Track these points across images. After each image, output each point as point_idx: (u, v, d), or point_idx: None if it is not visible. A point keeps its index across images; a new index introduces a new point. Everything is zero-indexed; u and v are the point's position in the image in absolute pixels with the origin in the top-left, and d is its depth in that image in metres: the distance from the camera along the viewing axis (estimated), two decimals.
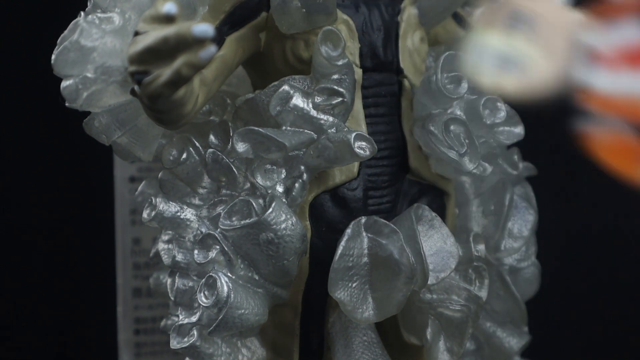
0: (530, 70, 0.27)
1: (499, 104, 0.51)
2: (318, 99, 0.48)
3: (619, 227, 0.83)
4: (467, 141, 0.50)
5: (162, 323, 0.54)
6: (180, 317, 0.49)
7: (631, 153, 0.25)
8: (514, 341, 0.57)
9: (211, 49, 0.39)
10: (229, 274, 0.48)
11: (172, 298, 0.50)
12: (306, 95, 0.48)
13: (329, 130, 0.48)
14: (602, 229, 0.83)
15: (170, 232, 0.50)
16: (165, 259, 0.50)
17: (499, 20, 0.28)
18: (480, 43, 0.28)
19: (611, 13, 0.26)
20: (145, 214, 0.50)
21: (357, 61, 0.51)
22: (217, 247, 0.48)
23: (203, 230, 0.49)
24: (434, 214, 0.49)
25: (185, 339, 0.49)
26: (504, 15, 0.28)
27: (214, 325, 0.47)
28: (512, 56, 0.27)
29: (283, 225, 0.47)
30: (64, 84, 0.47)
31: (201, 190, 0.51)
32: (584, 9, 0.27)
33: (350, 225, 0.49)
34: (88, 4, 0.48)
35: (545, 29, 0.27)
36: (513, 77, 0.27)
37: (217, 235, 0.48)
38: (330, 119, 0.48)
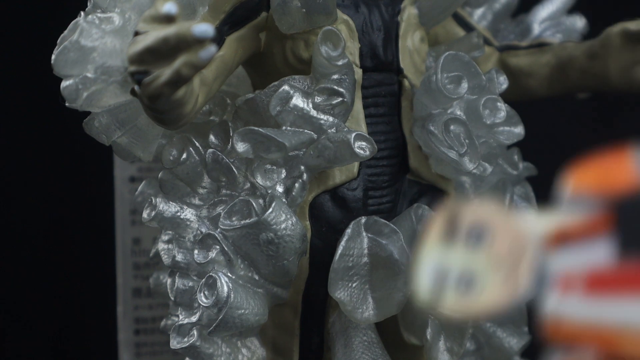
0: (490, 291, 0.25)
1: (499, 104, 0.51)
2: (318, 99, 0.48)
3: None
4: (467, 141, 0.50)
5: (162, 323, 0.54)
6: (180, 317, 0.49)
7: None
8: (514, 341, 0.57)
9: (211, 49, 0.39)
10: (229, 274, 0.48)
11: (172, 298, 0.50)
12: (306, 95, 0.48)
13: (329, 130, 0.48)
14: None
15: (170, 232, 0.50)
16: (165, 259, 0.50)
17: (455, 234, 0.25)
18: (434, 259, 0.25)
19: (576, 233, 0.24)
20: (145, 214, 0.50)
21: (357, 61, 0.51)
22: (217, 247, 0.48)
23: (203, 230, 0.49)
24: (434, 214, 0.49)
25: (185, 339, 0.49)
26: (459, 226, 0.25)
27: (214, 325, 0.47)
28: (471, 275, 0.25)
29: (283, 225, 0.47)
30: (64, 84, 0.47)
31: (201, 190, 0.51)
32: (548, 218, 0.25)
33: (350, 225, 0.49)
34: (88, 4, 0.48)
35: (504, 244, 0.25)
36: (471, 298, 0.25)
37: (217, 235, 0.48)
38: (330, 119, 0.48)
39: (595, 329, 0.23)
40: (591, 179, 0.24)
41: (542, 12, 0.62)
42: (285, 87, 0.48)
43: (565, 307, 0.23)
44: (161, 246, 0.50)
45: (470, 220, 0.25)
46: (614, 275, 0.23)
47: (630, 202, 0.23)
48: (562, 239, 0.24)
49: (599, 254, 0.23)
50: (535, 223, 0.25)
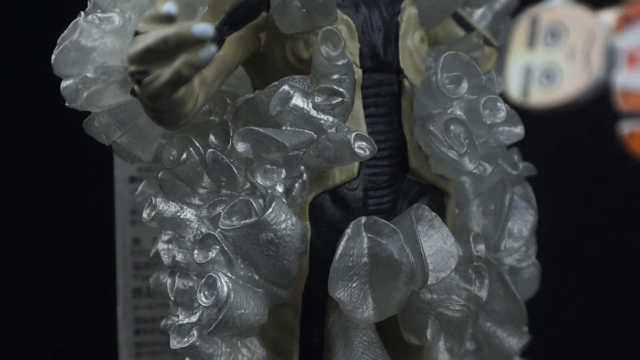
0: (570, 81, 0.28)
1: (499, 104, 0.51)
2: (318, 99, 0.48)
3: (618, 227, 0.83)
4: (467, 141, 0.50)
5: (162, 323, 0.54)
6: (180, 317, 0.49)
7: None
8: (514, 341, 0.57)
9: (211, 49, 0.39)
10: (229, 274, 0.48)
11: (172, 298, 0.50)
12: (306, 95, 0.48)
13: (329, 130, 0.48)
14: (602, 228, 0.83)
15: (170, 232, 0.50)
16: (165, 259, 0.50)
17: (533, 35, 0.29)
18: (520, 60, 0.29)
19: (636, 15, 0.27)
20: (145, 214, 0.50)
21: (357, 61, 0.51)
22: (217, 247, 0.48)
23: (203, 230, 0.49)
24: (434, 214, 0.49)
25: (185, 339, 0.49)
26: (537, 29, 0.29)
27: (214, 325, 0.47)
28: (551, 69, 0.29)
29: (283, 225, 0.47)
30: (64, 84, 0.47)
31: (201, 190, 0.51)
32: (611, 9, 0.29)
33: (350, 225, 0.49)
34: (88, 4, 0.48)
35: (578, 37, 0.28)
36: (554, 89, 0.29)
37: (217, 235, 0.48)
38: (330, 119, 0.48)
39: None
40: None
41: None
42: (285, 87, 0.48)
43: (633, 80, 0.27)
44: (161, 246, 0.50)
45: (547, 21, 0.29)
46: None
47: None
48: (626, 22, 0.27)
49: None
50: (603, 14, 0.28)
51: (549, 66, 0.29)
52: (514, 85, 0.29)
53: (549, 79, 0.29)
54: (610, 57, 0.28)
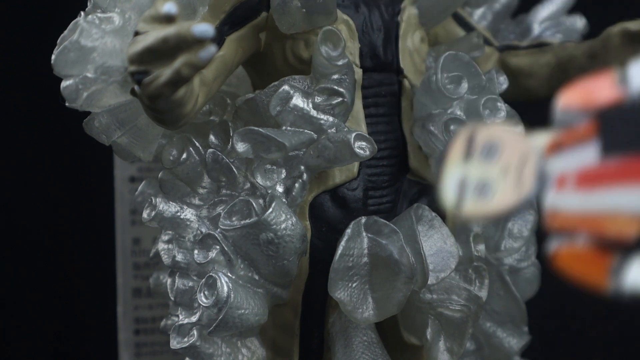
0: (502, 196, 0.30)
1: (499, 104, 0.51)
2: (318, 99, 0.48)
3: None
4: None
5: (162, 323, 0.54)
6: (180, 317, 0.49)
7: (597, 263, 0.28)
8: (514, 341, 0.57)
9: (211, 49, 0.39)
10: (229, 274, 0.48)
11: (172, 298, 0.50)
12: (306, 95, 0.48)
13: (329, 130, 0.48)
14: None
15: (170, 232, 0.50)
16: (165, 259, 0.50)
17: (471, 150, 0.31)
18: (456, 171, 0.31)
19: (568, 141, 0.29)
20: (145, 214, 0.50)
21: (357, 61, 0.51)
22: (217, 247, 0.48)
23: (203, 230, 0.49)
24: (434, 214, 0.49)
25: (185, 339, 0.49)
26: (474, 145, 0.31)
27: (214, 325, 0.47)
28: (485, 184, 0.30)
29: (283, 225, 0.47)
30: (64, 84, 0.47)
31: (201, 190, 0.51)
32: (545, 133, 0.31)
33: (350, 225, 0.49)
34: (88, 4, 0.48)
35: (512, 157, 0.30)
36: (486, 202, 0.30)
37: (217, 235, 0.48)
38: (330, 119, 0.48)
39: (586, 216, 0.28)
40: (578, 97, 0.30)
41: (542, 12, 0.62)
42: (285, 87, 0.48)
43: (561, 201, 0.29)
44: (161, 246, 0.50)
45: (483, 138, 0.31)
46: (599, 172, 0.28)
47: (610, 112, 0.29)
48: (557, 148, 0.30)
49: (587, 156, 0.29)
50: (536, 137, 0.30)
51: (482, 180, 0.31)
52: (449, 195, 0.31)
53: (482, 192, 0.30)
54: (541, 179, 0.30)
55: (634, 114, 0.28)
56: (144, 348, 0.70)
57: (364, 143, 0.48)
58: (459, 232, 0.55)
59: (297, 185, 0.49)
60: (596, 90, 0.30)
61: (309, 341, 0.52)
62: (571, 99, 0.30)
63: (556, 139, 0.30)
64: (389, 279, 0.48)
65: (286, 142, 0.46)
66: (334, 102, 0.48)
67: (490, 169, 0.30)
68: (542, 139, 0.30)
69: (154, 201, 0.50)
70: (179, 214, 0.50)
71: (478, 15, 0.61)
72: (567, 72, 0.56)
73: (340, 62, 0.47)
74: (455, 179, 0.31)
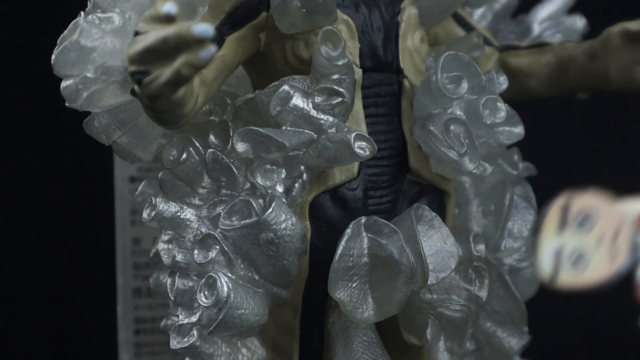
0: (597, 267, 0.31)
1: (499, 104, 0.51)
2: (318, 99, 0.48)
3: None
4: (467, 141, 0.50)
5: (162, 323, 0.54)
6: (180, 317, 0.49)
7: None
8: (514, 341, 0.57)
9: (211, 49, 0.39)
10: (229, 274, 0.48)
11: (172, 298, 0.50)
12: (306, 95, 0.48)
13: (329, 130, 0.48)
14: None
15: (170, 232, 0.50)
16: (165, 259, 0.50)
17: (564, 220, 0.32)
18: (551, 242, 0.32)
19: None
20: (145, 214, 0.50)
21: (357, 61, 0.51)
22: (217, 247, 0.48)
23: (203, 230, 0.49)
24: (434, 214, 0.49)
25: (185, 339, 0.49)
26: (568, 215, 0.32)
27: (214, 325, 0.47)
28: (580, 254, 0.31)
29: (283, 225, 0.47)
30: (64, 84, 0.47)
31: (201, 190, 0.51)
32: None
33: (350, 225, 0.49)
34: (88, 4, 0.48)
35: (607, 226, 0.31)
36: (581, 273, 0.31)
37: (217, 235, 0.48)
38: (330, 119, 0.48)
39: None
40: None
41: (542, 12, 0.62)
42: (285, 87, 0.48)
43: None
44: (161, 246, 0.50)
45: (578, 207, 0.31)
46: None
47: None
48: None
49: None
50: (630, 207, 0.31)
51: (577, 251, 0.31)
52: (544, 266, 0.31)
53: (577, 263, 0.31)
54: (635, 250, 0.30)
55: None
56: (144, 348, 0.70)
57: (364, 143, 0.48)
58: (459, 232, 0.55)
59: (297, 185, 0.49)
60: None
61: (309, 341, 0.52)
62: None
63: None
64: (389, 279, 0.48)
65: (286, 142, 0.46)
66: (334, 102, 0.48)
67: (585, 238, 0.31)
68: (635, 207, 0.31)
69: (154, 201, 0.50)
70: (179, 214, 0.50)
71: (478, 15, 0.61)
72: (567, 72, 0.56)
73: (340, 62, 0.47)
74: (551, 249, 0.31)
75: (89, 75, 0.46)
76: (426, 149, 0.52)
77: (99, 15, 0.47)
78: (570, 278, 0.31)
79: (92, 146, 0.53)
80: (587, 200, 0.31)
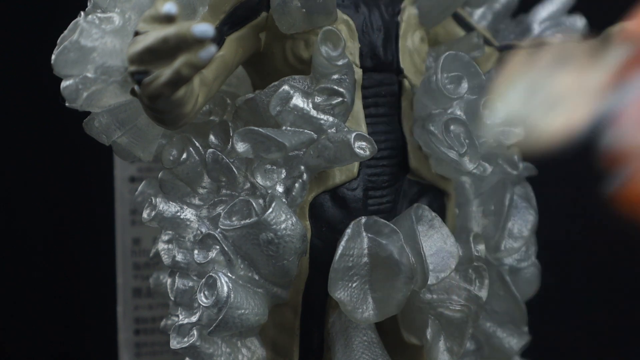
0: (570, 111, 0.29)
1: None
2: (318, 99, 0.48)
3: (619, 227, 0.83)
4: (467, 141, 0.50)
5: (162, 323, 0.54)
6: (180, 317, 0.49)
7: None
8: (514, 341, 0.57)
9: (211, 49, 0.39)
10: (229, 274, 0.48)
11: (172, 298, 0.50)
12: (306, 95, 0.48)
13: (329, 130, 0.48)
14: (603, 228, 0.83)
15: (170, 232, 0.50)
16: (165, 259, 0.50)
17: (537, 65, 0.30)
18: (523, 86, 0.30)
19: (627, 71, 0.28)
20: (145, 214, 0.50)
21: (357, 61, 0.51)
22: (217, 247, 0.48)
23: (203, 230, 0.49)
24: (434, 214, 0.49)
25: (185, 339, 0.49)
26: (542, 60, 0.30)
27: (214, 325, 0.47)
28: (554, 97, 0.30)
29: (283, 225, 0.47)
30: (64, 84, 0.47)
31: (201, 190, 0.51)
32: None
33: (350, 225, 0.49)
34: (88, 4, 0.48)
35: (579, 83, 0.30)
36: (555, 116, 0.30)
37: (217, 235, 0.48)
38: (330, 119, 0.48)
39: None
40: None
41: (542, 12, 0.62)
42: (285, 87, 0.48)
43: (622, 135, 0.27)
44: (161, 246, 0.50)
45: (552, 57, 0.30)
46: None
47: None
48: (620, 78, 0.28)
49: None
50: (600, 66, 0.29)
51: (550, 94, 0.30)
52: (515, 104, 0.30)
53: (549, 105, 0.30)
54: (603, 112, 0.29)
55: None
56: (144, 348, 0.70)
57: (364, 143, 0.48)
58: (459, 232, 0.55)
59: (297, 185, 0.49)
60: None
61: (309, 341, 0.52)
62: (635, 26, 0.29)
63: (619, 69, 0.28)
64: (389, 279, 0.48)
65: (286, 142, 0.47)
66: (334, 102, 0.48)
67: (557, 84, 0.29)
68: (605, 68, 0.29)
69: (154, 201, 0.50)
70: (179, 214, 0.50)
71: (478, 15, 0.61)
72: None
73: (340, 62, 0.47)
74: (523, 89, 0.30)
75: (89, 75, 0.46)
76: (426, 149, 0.52)
77: (99, 15, 0.48)
78: (544, 120, 0.29)
79: (92, 146, 0.53)
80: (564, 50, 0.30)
